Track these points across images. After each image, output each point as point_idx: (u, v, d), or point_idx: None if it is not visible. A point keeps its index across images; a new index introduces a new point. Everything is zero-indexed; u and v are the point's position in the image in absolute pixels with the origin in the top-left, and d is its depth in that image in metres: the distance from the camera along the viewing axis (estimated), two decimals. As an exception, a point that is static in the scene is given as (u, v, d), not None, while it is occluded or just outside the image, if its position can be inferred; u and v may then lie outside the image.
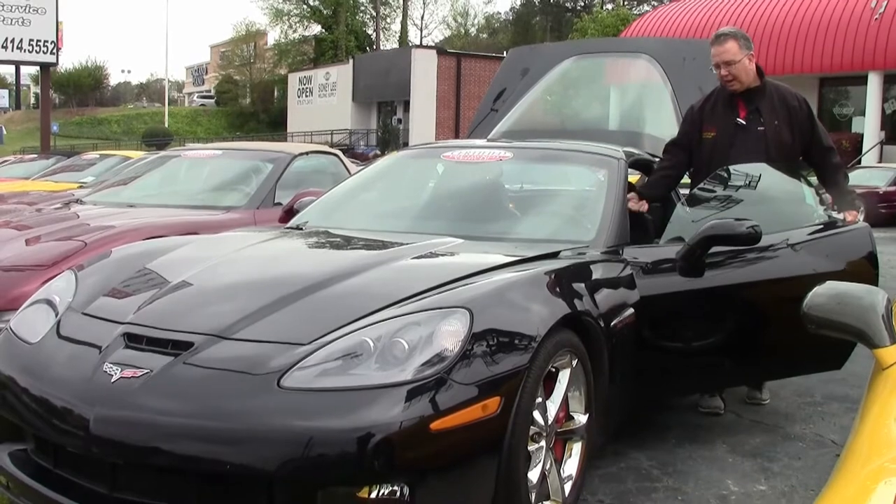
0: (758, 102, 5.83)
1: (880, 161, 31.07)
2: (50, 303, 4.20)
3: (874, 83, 32.58)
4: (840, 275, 5.02)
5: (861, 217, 5.86)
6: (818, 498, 2.00)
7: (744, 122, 5.82)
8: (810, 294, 2.78)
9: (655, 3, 68.03)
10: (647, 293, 4.64)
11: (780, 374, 5.84)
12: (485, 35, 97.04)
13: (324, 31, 78.89)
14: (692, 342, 5.08)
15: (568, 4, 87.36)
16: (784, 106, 5.82)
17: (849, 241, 5.47)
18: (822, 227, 5.48)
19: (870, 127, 32.54)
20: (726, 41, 5.78)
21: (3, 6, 31.60)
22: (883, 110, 33.30)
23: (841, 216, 5.64)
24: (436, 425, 3.20)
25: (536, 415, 3.65)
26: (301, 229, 5.41)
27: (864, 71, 32.48)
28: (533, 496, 3.66)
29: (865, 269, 5.36)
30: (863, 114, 33.01)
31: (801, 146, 5.87)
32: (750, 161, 5.61)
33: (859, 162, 30.85)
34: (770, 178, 5.61)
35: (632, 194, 5.66)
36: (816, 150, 5.91)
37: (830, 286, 2.81)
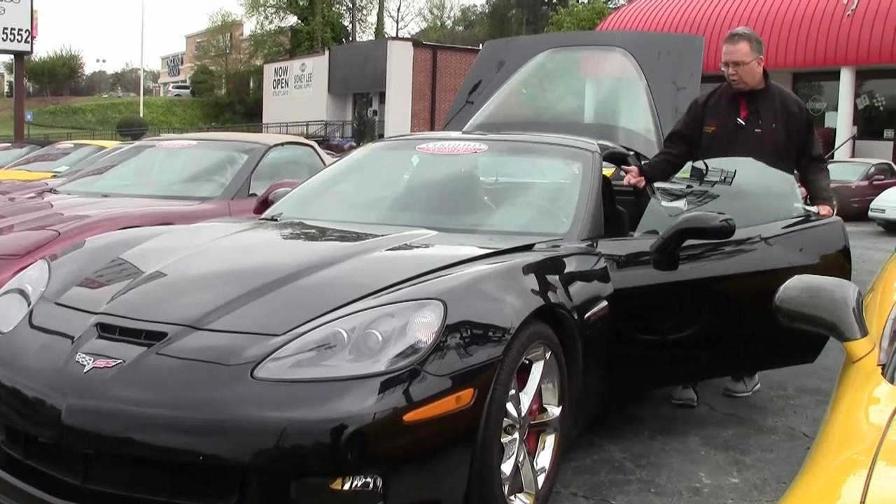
0: (759, 105, 5.96)
1: (852, 156, 31.23)
2: (22, 292, 4.18)
3: (846, 78, 32.71)
4: (814, 268, 5.08)
5: (835, 212, 5.93)
6: (789, 489, 2.01)
7: (743, 123, 5.96)
8: (782, 287, 2.81)
9: (631, -3, 68.22)
10: (620, 286, 4.65)
11: (753, 367, 5.89)
12: (461, 27, 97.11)
13: (300, 22, 78.61)
14: (665, 335, 5.10)
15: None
16: (785, 111, 5.96)
17: (822, 234, 5.52)
18: (795, 221, 5.52)
19: (842, 122, 32.67)
20: (739, 41, 5.90)
21: (-24, -6, 31.36)
22: (855, 105, 33.44)
23: (814, 209, 5.69)
24: (409, 417, 3.20)
25: (510, 407, 3.67)
26: (276, 220, 5.40)
27: (836, 66, 32.60)
28: (506, 488, 3.67)
29: (839, 263, 5.42)
30: (835, 109, 33.15)
31: (795, 151, 5.99)
32: None
33: (832, 157, 30.95)
34: (745, 172, 5.66)
35: (633, 168, 5.82)
36: (806, 157, 6.04)
37: (802, 279, 2.83)
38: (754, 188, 5.70)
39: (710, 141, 6.01)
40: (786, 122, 5.96)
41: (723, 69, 6.00)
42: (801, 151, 6.02)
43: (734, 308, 5.30)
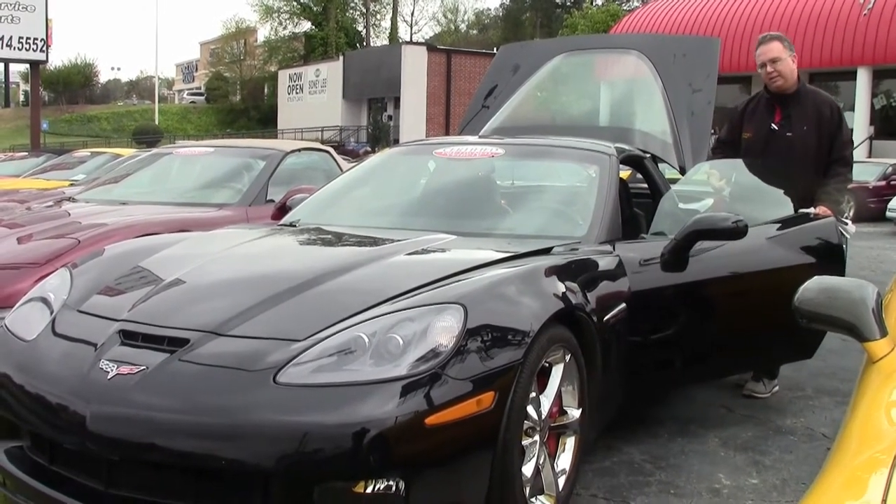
0: (792, 109, 6.19)
1: (870, 156, 31.15)
2: (45, 300, 4.21)
3: (863, 78, 32.66)
4: (807, 267, 5.33)
5: (851, 213, 6.10)
6: (810, 489, 2.02)
7: (776, 128, 6.19)
8: (801, 288, 2.80)
9: (645, -1, 68.22)
10: (638, 288, 4.67)
11: (757, 364, 5.99)
12: (475, 31, 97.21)
13: (314, 27, 78.74)
14: (682, 336, 5.11)
15: (558, 0, 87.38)
16: (816, 113, 6.15)
17: (814, 233, 5.68)
18: (787, 221, 5.68)
19: (859, 122, 32.58)
20: (771, 41, 6.23)
21: (-8, 4, 31.51)
22: (872, 105, 33.36)
23: (810, 210, 5.88)
24: (430, 420, 3.21)
25: (530, 409, 3.68)
26: (294, 226, 5.42)
27: (853, 66, 32.55)
28: (527, 490, 3.68)
29: (832, 261, 5.59)
30: (852, 109, 32.99)
31: (827, 152, 6.15)
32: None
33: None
34: (742, 174, 5.86)
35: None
36: (830, 156, 6.16)
37: (820, 280, 2.82)
38: (750, 189, 5.91)
39: (746, 146, 6.28)
40: (817, 125, 6.13)
41: (760, 71, 6.26)
42: (829, 150, 6.15)
43: (740, 307, 5.38)
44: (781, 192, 5.94)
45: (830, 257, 5.64)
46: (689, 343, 5.15)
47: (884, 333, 2.61)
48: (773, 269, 5.39)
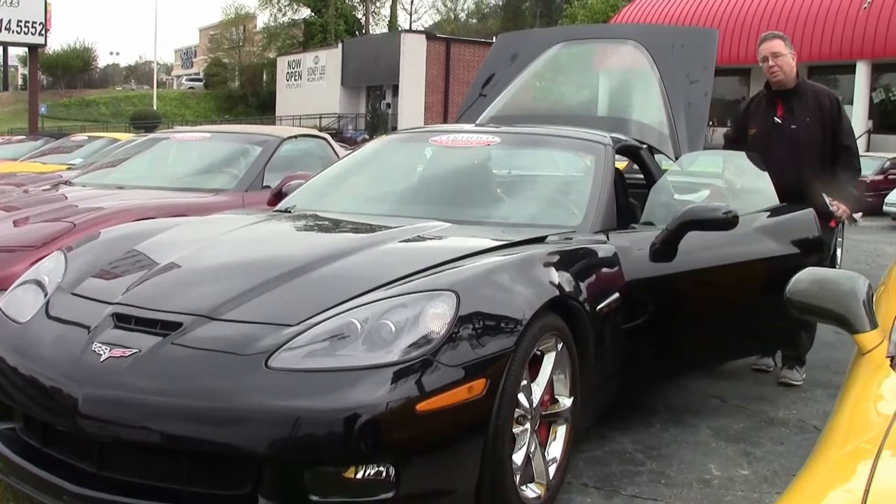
0: (794, 103, 6.35)
1: (868, 150, 31.11)
2: (39, 283, 4.22)
3: (862, 72, 32.65)
4: (790, 258, 5.47)
5: (857, 207, 6.30)
6: (796, 478, 2.03)
7: (780, 121, 6.36)
8: (793, 280, 2.81)
9: (645, -10, 67.99)
10: (632, 278, 4.67)
11: (741, 353, 6.12)
12: (474, 20, 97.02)
13: (313, 14, 78.47)
14: (675, 325, 5.12)
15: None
16: (817, 104, 6.33)
17: (794, 224, 5.80)
18: (768, 211, 5.77)
19: (858, 116, 32.51)
20: (774, 39, 6.44)
21: (-10, -13, 31.46)
22: (871, 99, 33.34)
23: (834, 207, 6.09)
24: (422, 406, 3.23)
25: (521, 397, 3.69)
26: (289, 212, 5.43)
27: (852, 60, 32.54)
28: (517, 478, 3.69)
29: (813, 251, 5.69)
30: (851, 102, 32.96)
31: (831, 142, 6.31)
32: (784, 157, 6.15)
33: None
34: (730, 164, 6.05)
35: None
36: (837, 146, 6.32)
37: (812, 272, 2.83)
38: (735, 181, 6.25)
39: (752, 142, 6.44)
40: (819, 115, 6.29)
41: (762, 65, 6.43)
42: (833, 141, 6.30)
43: (730, 296, 5.45)
44: (773, 184, 5.99)
45: (812, 247, 5.73)
46: (682, 332, 5.17)
47: (874, 325, 2.62)
48: (757, 259, 5.49)
